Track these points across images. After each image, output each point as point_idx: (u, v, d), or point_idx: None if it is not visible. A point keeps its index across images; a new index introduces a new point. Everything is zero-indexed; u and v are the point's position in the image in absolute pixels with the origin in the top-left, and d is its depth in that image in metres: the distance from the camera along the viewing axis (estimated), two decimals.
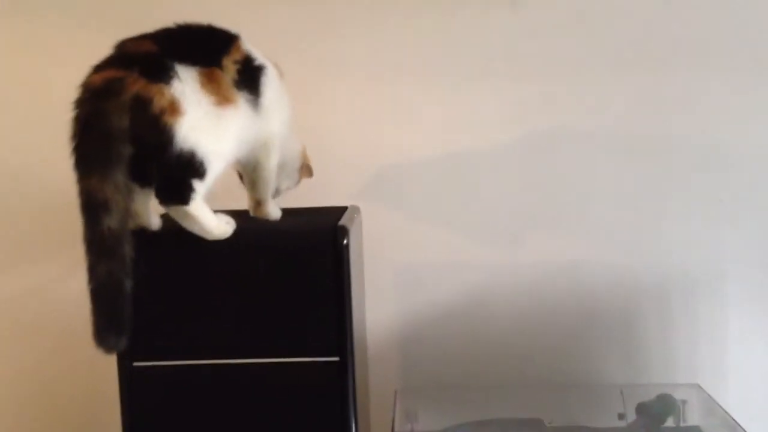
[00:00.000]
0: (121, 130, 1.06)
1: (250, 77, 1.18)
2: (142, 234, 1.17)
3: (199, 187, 1.12)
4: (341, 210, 1.36)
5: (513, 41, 1.74)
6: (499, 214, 1.78)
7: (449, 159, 1.76)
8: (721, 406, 1.46)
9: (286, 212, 1.31)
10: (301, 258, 1.18)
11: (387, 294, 1.80)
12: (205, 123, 1.11)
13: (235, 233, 1.19)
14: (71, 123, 1.08)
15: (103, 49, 1.15)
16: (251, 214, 1.28)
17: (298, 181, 1.37)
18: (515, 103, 1.75)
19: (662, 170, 1.76)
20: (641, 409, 1.48)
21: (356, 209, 1.42)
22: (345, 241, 1.16)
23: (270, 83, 1.22)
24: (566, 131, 1.76)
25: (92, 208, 1.05)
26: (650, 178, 1.76)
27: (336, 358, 1.18)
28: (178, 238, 1.18)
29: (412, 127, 1.76)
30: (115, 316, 1.07)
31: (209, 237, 1.16)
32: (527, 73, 1.74)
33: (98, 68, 1.11)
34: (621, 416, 1.49)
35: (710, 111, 1.74)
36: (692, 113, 1.74)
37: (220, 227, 1.17)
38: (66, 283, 1.80)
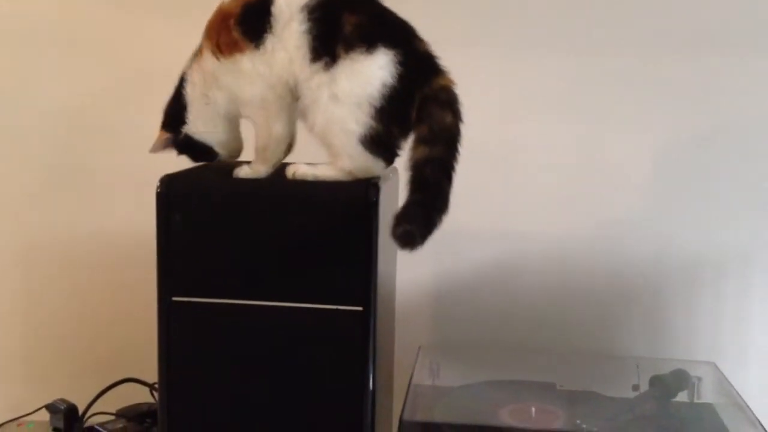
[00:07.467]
0: None
1: None
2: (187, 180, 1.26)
3: None
4: None
5: (574, 16, 1.77)
6: (537, 185, 1.82)
7: (491, 129, 1.80)
8: (733, 387, 1.49)
9: None
10: (334, 211, 1.25)
11: (423, 255, 1.85)
12: None
13: (274, 183, 1.28)
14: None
15: None
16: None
17: None
18: (567, 79, 1.79)
19: (701, 152, 1.78)
20: (654, 381, 1.51)
21: (394, 170, 1.47)
22: (374, 198, 1.23)
23: None
24: (613, 108, 1.79)
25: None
26: (689, 160, 1.78)
27: (359, 308, 1.25)
28: (221, 184, 1.28)
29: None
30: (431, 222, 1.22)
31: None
32: (584, 49, 1.77)
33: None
34: (635, 387, 1.53)
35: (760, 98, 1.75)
36: (744, 99, 1.75)
37: None
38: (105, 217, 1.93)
